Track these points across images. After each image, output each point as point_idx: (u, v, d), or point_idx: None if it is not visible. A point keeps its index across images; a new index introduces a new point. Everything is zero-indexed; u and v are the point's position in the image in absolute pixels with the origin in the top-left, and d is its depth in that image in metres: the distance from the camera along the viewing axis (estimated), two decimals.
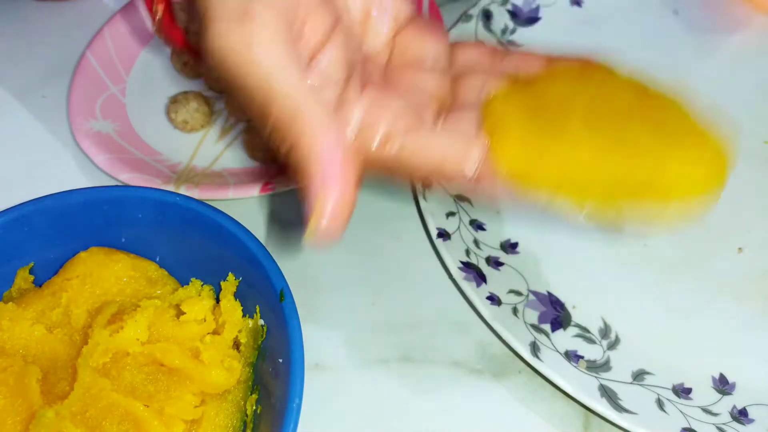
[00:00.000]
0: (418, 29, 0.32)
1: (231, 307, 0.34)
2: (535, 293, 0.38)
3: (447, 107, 0.31)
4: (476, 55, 0.33)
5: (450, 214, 0.41)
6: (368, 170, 0.29)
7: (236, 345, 0.34)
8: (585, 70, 0.31)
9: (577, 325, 0.38)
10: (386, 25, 0.31)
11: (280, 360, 0.31)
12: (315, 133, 0.26)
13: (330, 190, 0.26)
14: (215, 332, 0.34)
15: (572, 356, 0.36)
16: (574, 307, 0.38)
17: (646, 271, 0.40)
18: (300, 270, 0.41)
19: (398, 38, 0.31)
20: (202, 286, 0.36)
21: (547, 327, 0.37)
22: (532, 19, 0.49)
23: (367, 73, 0.30)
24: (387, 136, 0.28)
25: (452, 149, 0.29)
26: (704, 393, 0.35)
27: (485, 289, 0.37)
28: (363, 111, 0.29)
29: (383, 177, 0.31)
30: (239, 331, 0.34)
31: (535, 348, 0.35)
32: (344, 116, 0.28)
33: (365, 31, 0.31)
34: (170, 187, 0.41)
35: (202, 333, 0.34)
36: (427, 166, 0.29)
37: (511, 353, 0.37)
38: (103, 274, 0.35)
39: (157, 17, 0.36)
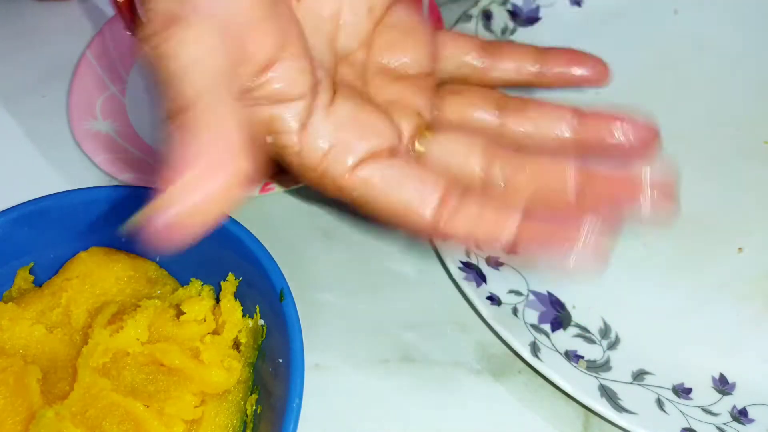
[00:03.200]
0: (398, 20, 0.29)
1: (231, 307, 0.34)
2: (535, 293, 0.38)
3: (428, 125, 0.30)
4: (465, 51, 0.32)
5: None
6: (326, 192, 0.28)
7: (236, 345, 0.34)
8: None
9: (577, 325, 0.38)
10: (361, 19, 0.28)
11: (280, 360, 0.31)
12: (212, 111, 0.23)
13: (209, 177, 0.22)
14: (215, 332, 0.34)
15: (572, 356, 0.36)
16: (574, 307, 0.38)
17: (646, 271, 0.40)
18: (300, 270, 0.41)
19: (376, 33, 0.29)
20: (202, 286, 0.36)
21: (547, 327, 0.37)
22: (532, 19, 0.49)
23: (341, 76, 0.28)
24: (360, 160, 0.27)
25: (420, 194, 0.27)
26: (704, 393, 0.35)
27: (485, 289, 0.37)
28: (333, 126, 0.27)
29: (340, 203, 0.29)
30: (239, 331, 0.34)
31: (535, 348, 0.35)
32: (312, 129, 0.26)
33: (337, 28, 0.28)
34: None
35: (202, 333, 0.34)
36: (393, 208, 0.27)
37: (511, 353, 0.37)
38: (103, 274, 0.35)
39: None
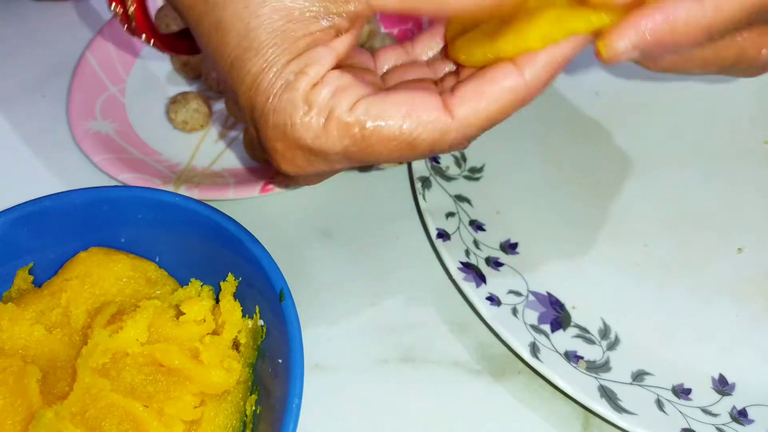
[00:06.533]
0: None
1: (230, 307, 0.34)
2: (534, 294, 0.38)
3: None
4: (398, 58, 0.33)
5: (449, 214, 0.41)
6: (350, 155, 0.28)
7: (236, 345, 0.34)
8: None
9: (577, 326, 0.38)
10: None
11: (280, 360, 0.31)
12: None
13: None
14: (215, 333, 0.34)
15: (572, 357, 0.36)
16: (573, 307, 0.38)
17: (645, 271, 0.40)
18: (300, 270, 0.41)
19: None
20: (201, 286, 0.36)
21: (546, 327, 0.37)
22: None
23: None
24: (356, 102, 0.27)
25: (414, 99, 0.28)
26: (704, 393, 0.35)
27: (485, 290, 0.37)
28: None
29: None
30: (239, 332, 0.34)
31: (534, 348, 0.35)
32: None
33: None
34: (170, 188, 0.41)
35: (201, 333, 0.34)
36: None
37: (510, 354, 0.37)
38: (102, 274, 0.36)
39: (130, 12, 0.35)
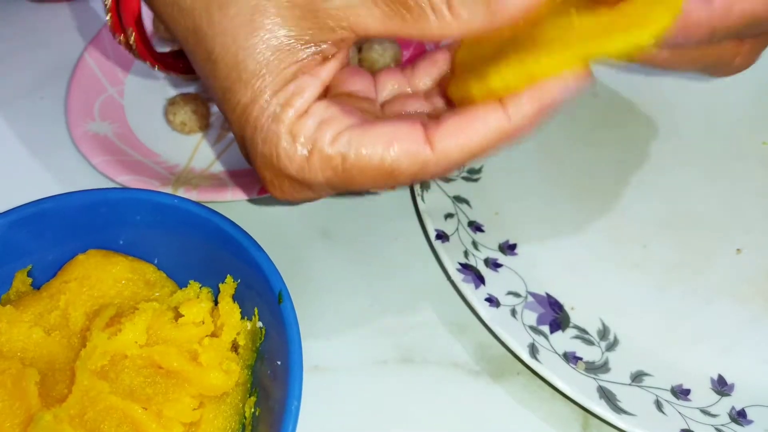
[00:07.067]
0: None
1: (229, 309, 0.34)
2: (533, 295, 0.38)
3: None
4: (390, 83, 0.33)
5: (448, 215, 0.41)
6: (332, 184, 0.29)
7: (234, 347, 0.34)
8: None
9: (576, 327, 0.38)
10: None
11: (279, 362, 0.31)
12: None
13: None
14: (213, 335, 0.34)
15: (571, 358, 0.36)
16: (572, 308, 0.38)
17: (644, 272, 0.40)
18: (298, 272, 0.41)
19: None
20: (200, 288, 0.36)
21: (545, 328, 0.37)
22: None
23: None
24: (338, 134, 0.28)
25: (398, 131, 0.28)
26: (703, 394, 0.35)
27: (484, 291, 0.37)
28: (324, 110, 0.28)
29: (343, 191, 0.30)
30: (237, 334, 0.34)
31: (533, 349, 0.35)
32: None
33: None
34: (168, 189, 0.41)
35: (200, 335, 0.34)
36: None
37: (509, 355, 0.37)
38: (101, 276, 0.35)
39: (131, 41, 0.37)
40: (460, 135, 0.27)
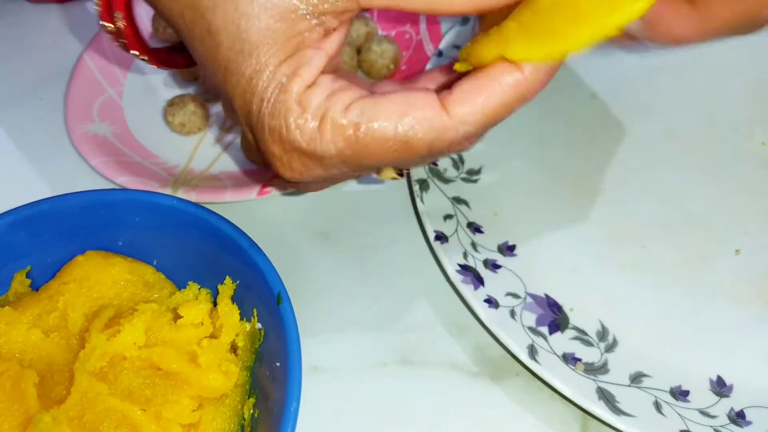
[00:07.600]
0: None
1: (228, 310, 0.34)
2: (532, 296, 0.38)
3: None
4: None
5: (447, 216, 0.41)
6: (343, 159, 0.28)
7: (233, 349, 0.34)
8: None
9: (575, 328, 0.38)
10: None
11: (278, 363, 0.31)
12: None
13: None
14: (212, 336, 0.34)
15: (570, 359, 0.36)
16: (571, 309, 0.38)
17: (643, 273, 0.40)
18: (297, 273, 0.41)
19: None
20: (199, 289, 0.36)
21: (544, 329, 0.37)
22: None
23: None
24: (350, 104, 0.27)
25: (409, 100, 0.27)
26: (702, 395, 0.35)
27: (483, 292, 0.37)
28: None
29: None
30: (236, 335, 0.34)
31: (532, 351, 0.35)
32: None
33: None
34: (167, 191, 0.41)
35: (199, 337, 0.34)
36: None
37: (508, 356, 0.37)
38: (100, 277, 0.35)
39: (120, 24, 0.35)
40: (478, 96, 0.27)
